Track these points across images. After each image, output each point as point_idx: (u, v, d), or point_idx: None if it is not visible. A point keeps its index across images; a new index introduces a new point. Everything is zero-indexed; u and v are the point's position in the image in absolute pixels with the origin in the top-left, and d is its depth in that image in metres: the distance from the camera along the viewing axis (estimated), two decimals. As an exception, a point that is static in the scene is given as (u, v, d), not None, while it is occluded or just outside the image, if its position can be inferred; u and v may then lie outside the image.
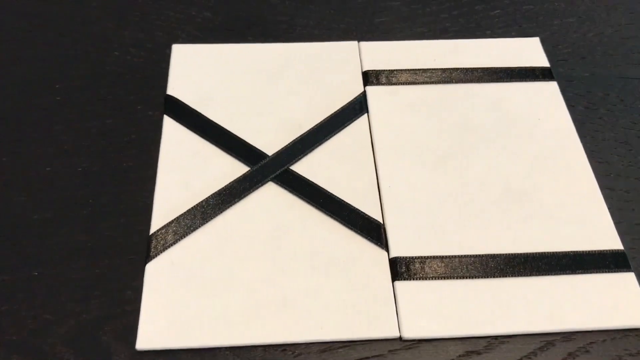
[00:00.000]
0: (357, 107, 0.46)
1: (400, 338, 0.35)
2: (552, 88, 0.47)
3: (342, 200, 0.40)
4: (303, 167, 0.42)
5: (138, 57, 0.49)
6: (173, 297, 0.36)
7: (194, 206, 0.39)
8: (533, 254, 0.38)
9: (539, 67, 0.49)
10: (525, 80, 0.48)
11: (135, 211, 0.40)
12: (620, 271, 0.38)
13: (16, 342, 0.35)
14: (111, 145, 0.44)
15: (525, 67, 0.49)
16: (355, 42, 0.50)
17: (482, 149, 0.44)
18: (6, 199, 0.40)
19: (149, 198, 0.40)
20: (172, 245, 0.38)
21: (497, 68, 0.48)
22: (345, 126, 0.45)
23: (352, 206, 0.40)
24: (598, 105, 0.47)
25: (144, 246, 0.38)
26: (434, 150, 0.43)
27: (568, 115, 0.45)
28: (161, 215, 0.39)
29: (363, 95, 0.46)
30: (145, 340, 0.35)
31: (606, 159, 0.44)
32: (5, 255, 0.38)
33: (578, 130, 0.45)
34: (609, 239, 0.39)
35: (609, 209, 0.41)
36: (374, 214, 0.40)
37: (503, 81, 0.48)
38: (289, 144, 0.43)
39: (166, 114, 0.45)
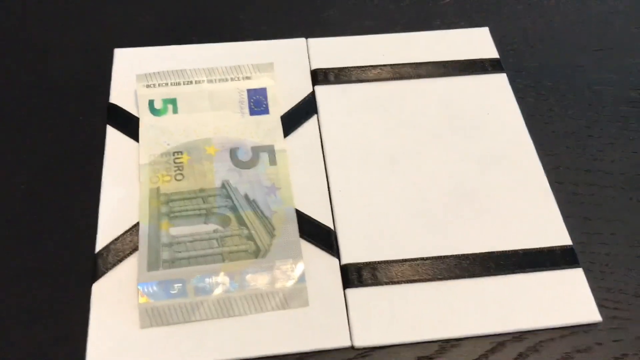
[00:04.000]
0: (307, 109, 0.45)
1: (352, 347, 0.35)
2: (501, 80, 0.48)
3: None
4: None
5: (79, 63, 0.48)
6: (121, 318, 0.35)
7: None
8: (482, 254, 0.39)
9: (488, 59, 0.48)
10: (475, 73, 0.47)
11: (80, 229, 0.39)
12: (569, 267, 0.38)
13: None
14: (53, 159, 0.43)
15: (474, 59, 0.48)
16: (304, 39, 0.49)
17: (432, 147, 0.44)
18: None
19: (94, 214, 0.39)
20: (118, 263, 0.37)
21: (446, 62, 0.48)
22: (295, 129, 0.44)
23: (302, 212, 0.40)
24: (547, 96, 0.48)
25: (90, 266, 0.37)
26: (384, 151, 0.43)
27: (517, 109, 0.46)
28: (106, 232, 0.38)
29: (312, 96, 0.45)
30: (94, 364, 0.34)
31: (555, 151, 0.45)
32: None
33: (527, 122, 0.45)
34: (558, 236, 0.40)
35: (558, 203, 0.41)
36: (325, 220, 0.40)
37: (453, 75, 0.47)
38: (236, 149, 0.42)
39: (109, 124, 0.43)
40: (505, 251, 0.39)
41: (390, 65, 0.48)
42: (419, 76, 0.47)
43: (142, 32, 0.50)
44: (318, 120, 0.45)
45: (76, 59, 0.48)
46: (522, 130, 0.45)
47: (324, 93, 0.46)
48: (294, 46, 0.49)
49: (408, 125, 0.45)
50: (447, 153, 0.43)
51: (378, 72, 0.47)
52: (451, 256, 0.38)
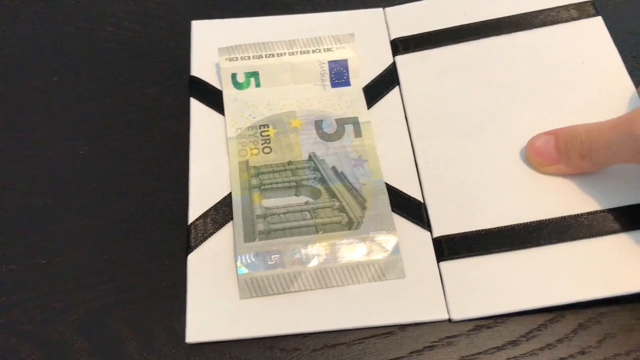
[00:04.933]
0: (388, 80, 0.44)
1: (449, 320, 0.35)
2: (596, 24, 0.45)
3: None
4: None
5: (132, 31, 0.48)
6: (218, 288, 0.36)
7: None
8: (583, 215, 0.37)
9: (577, 4, 0.45)
10: (566, 21, 0.45)
11: (138, 193, 0.40)
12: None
13: (27, 331, 0.36)
14: (111, 127, 0.44)
15: (564, 5, 0.46)
16: (381, 9, 0.48)
17: (523, 105, 0.42)
18: (7, 185, 0.41)
19: (152, 179, 0.41)
20: (212, 234, 0.37)
21: (532, 12, 0.46)
22: (377, 100, 0.44)
23: (390, 185, 0.39)
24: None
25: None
26: (470, 116, 0.42)
27: (616, 54, 0.43)
28: (198, 204, 0.39)
29: (393, 66, 0.45)
30: (195, 333, 0.34)
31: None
32: (10, 244, 0.39)
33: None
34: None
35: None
36: (413, 192, 0.39)
37: (541, 26, 0.45)
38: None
39: (192, 96, 0.43)
40: (610, 209, 0.37)
41: (473, 23, 0.46)
42: (504, 31, 0.45)
43: (213, 3, 0.50)
44: (400, 91, 0.44)
45: (129, 27, 0.48)
46: (623, 76, 0.42)
47: (404, 62, 0.45)
48: (371, 16, 0.48)
49: (495, 85, 0.43)
50: (540, 108, 0.41)
51: (461, 33, 0.46)
52: (548, 220, 0.37)
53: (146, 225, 0.39)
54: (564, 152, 0.37)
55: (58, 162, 0.42)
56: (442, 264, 0.37)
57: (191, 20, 0.48)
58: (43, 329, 0.36)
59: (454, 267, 0.37)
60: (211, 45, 0.45)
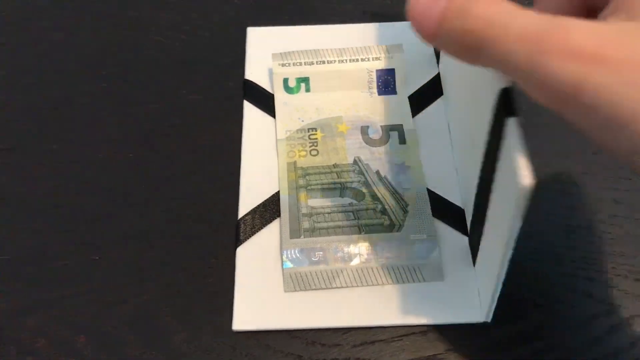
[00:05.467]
0: (432, 90, 0.46)
1: (484, 322, 0.36)
2: None
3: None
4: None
5: (176, 40, 0.51)
6: (264, 281, 0.38)
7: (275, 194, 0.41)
8: None
9: None
10: None
11: (184, 194, 0.42)
12: None
13: (81, 324, 0.38)
14: (157, 131, 0.46)
15: None
16: (428, 22, 0.50)
17: None
18: (60, 185, 0.43)
19: (197, 181, 0.43)
20: (259, 229, 0.39)
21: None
22: (422, 110, 0.46)
23: (432, 191, 0.41)
24: None
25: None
26: None
27: None
28: (247, 200, 0.41)
29: (437, 77, 0.46)
30: (241, 322, 0.36)
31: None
32: (65, 241, 0.41)
33: None
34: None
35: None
36: (455, 199, 0.41)
37: None
38: (365, 129, 0.45)
39: (245, 99, 0.46)
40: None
41: None
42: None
43: (236, 9, 0.52)
44: (444, 101, 0.46)
45: (173, 36, 0.51)
46: None
47: (448, 71, 0.47)
48: (419, 29, 0.50)
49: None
50: None
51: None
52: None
53: (192, 225, 0.41)
54: (444, 30, 0.24)
55: (109, 164, 0.44)
56: (476, 265, 0.38)
57: (244, 28, 0.50)
58: (97, 322, 0.37)
59: (480, 263, 0.37)
60: (265, 50, 0.48)
